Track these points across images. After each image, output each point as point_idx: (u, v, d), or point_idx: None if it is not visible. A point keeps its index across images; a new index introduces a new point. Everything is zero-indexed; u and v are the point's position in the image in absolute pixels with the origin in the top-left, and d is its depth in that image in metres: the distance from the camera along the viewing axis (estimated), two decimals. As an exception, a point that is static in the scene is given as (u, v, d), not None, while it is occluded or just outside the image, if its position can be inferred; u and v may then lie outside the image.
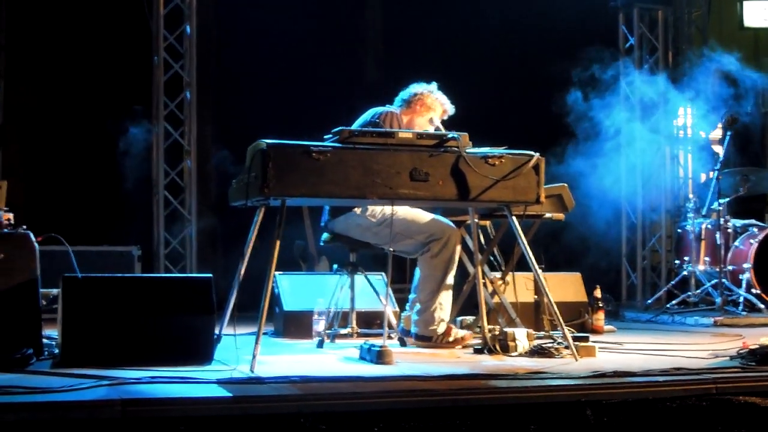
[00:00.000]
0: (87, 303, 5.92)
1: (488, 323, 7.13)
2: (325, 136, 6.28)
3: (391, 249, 7.20)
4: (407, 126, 7.53)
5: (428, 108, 7.59)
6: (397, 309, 8.13)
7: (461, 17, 12.63)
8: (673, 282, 11.80)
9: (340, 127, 6.22)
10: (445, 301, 7.25)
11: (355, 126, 7.33)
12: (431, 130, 7.55)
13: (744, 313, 10.12)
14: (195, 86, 11.25)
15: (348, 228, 7.37)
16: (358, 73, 12.55)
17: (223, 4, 12.05)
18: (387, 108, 7.52)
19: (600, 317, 8.76)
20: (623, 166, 13.13)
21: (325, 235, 7.58)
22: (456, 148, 6.28)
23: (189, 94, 11.23)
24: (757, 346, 6.29)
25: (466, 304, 7.86)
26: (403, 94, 7.70)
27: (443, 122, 7.67)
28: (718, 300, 10.37)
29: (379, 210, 7.21)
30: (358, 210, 7.24)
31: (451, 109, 7.70)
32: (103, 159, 11.27)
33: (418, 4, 12.58)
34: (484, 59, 12.59)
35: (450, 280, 7.27)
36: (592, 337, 7.32)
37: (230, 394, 4.80)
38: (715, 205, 10.77)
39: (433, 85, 7.71)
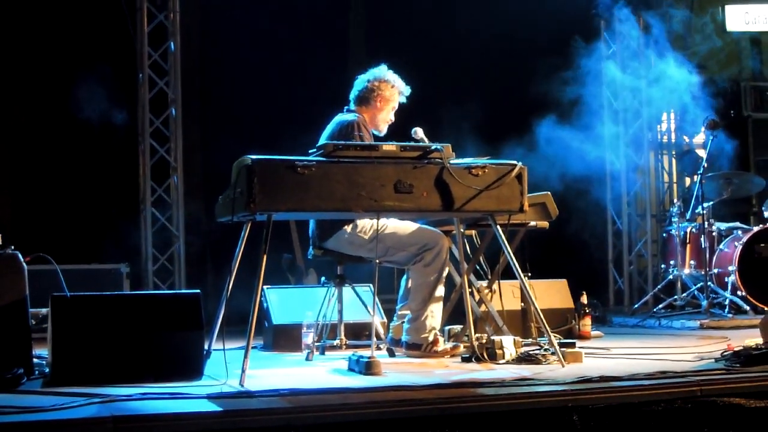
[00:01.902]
0: (76, 322, 5.95)
1: (475, 332, 7.18)
2: (310, 151, 6.32)
3: (384, 261, 7.26)
4: (371, 125, 7.58)
5: (387, 101, 7.61)
6: (385, 320, 8.16)
7: (445, 26, 12.68)
8: (659, 286, 11.84)
9: (325, 141, 6.27)
10: (435, 309, 7.28)
11: (323, 139, 7.34)
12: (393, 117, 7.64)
13: (729, 315, 10.17)
14: (180, 103, 11.29)
15: (340, 245, 7.37)
16: (341, 86, 12.58)
17: (206, 20, 12.09)
18: (350, 117, 7.50)
19: (587, 323, 8.81)
20: (608, 173, 13.21)
21: (314, 250, 7.59)
22: (439, 160, 6.33)
23: (174, 110, 11.26)
24: (741, 348, 6.34)
25: (454, 313, 7.88)
26: (358, 91, 7.69)
27: (401, 104, 7.71)
28: (704, 303, 10.42)
29: (369, 226, 7.23)
30: (348, 228, 7.25)
31: (406, 90, 7.71)
32: (89, 177, 11.30)
33: (402, 12, 12.62)
34: (468, 66, 12.66)
35: (440, 291, 7.30)
36: (580, 343, 7.36)
37: (220, 409, 4.84)
38: (699, 209, 10.82)
39: (383, 69, 7.73)
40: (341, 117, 7.55)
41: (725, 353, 6.43)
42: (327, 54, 12.28)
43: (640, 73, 13.39)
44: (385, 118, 7.63)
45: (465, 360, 6.83)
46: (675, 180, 14.10)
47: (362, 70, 7.82)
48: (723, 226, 11.12)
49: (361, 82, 7.70)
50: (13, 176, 11.42)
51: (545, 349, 6.66)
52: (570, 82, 11.40)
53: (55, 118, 11.39)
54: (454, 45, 12.60)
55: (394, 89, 7.63)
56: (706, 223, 10.76)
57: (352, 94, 7.70)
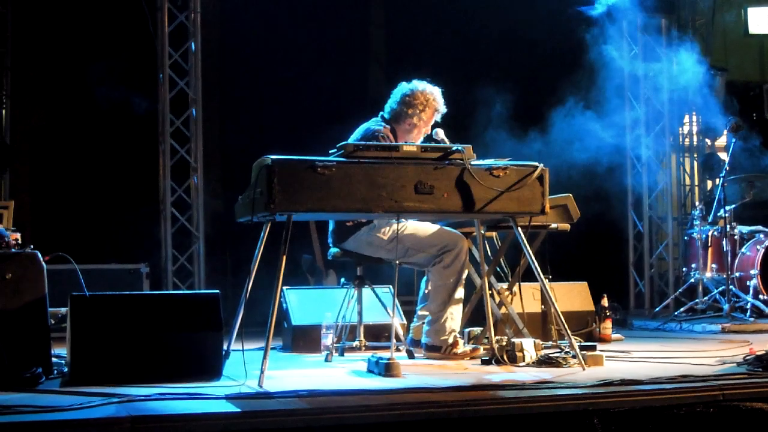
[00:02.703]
0: (95, 321, 5.94)
1: (496, 334, 7.15)
2: (330, 151, 6.30)
3: (403, 263, 7.24)
4: (401, 139, 7.53)
5: (415, 126, 7.53)
6: (405, 321, 8.13)
7: (465, 31, 12.66)
8: (680, 289, 11.81)
9: (344, 142, 6.24)
10: (455, 311, 7.25)
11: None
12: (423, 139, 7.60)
13: (751, 319, 10.11)
14: (200, 103, 11.28)
15: (359, 246, 7.36)
16: (362, 86, 12.59)
17: (227, 21, 12.11)
18: (376, 126, 7.48)
19: (607, 326, 8.76)
20: (629, 175, 13.18)
21: (334, 250, 7.56)
22: (460, 161, 6.30)
23: (195, 111, 11.26)
24: (763, 352, 6.29)
25: (474, 315, 7.85)
26: (392, 106, 7.61)
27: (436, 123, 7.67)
28: (726, 307, 10.35)
29: (388, 228, 7.22)
30: (366, 229, 7.24)
31: (443, 108, 7.60)
32: (110, 177, 11.33)
33: (422, 17, 12.61)
34: (488, 72, 12.63)
35: (460, 293, 7.27)
36: (600, 346, 7.32)
37: (239, 410, 4.81)
38: (721, 212, 10.76)
39: (422, 86, 7.59)
40: (368, 124, 7.53)
41: (747, 357, 6.38)
42: (347, 53, 12.29)
43: (662, 76, 13.35)
44: (414, 137, 7.55)
45: (485, 362, 6.80)
46: (697, 183, 14.05)
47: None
48: (745, 229, 11.06)
49: (397, 96, 7.60)
50: (33, 176, 11.45)
51: (566, 352, 6.63)
52: (591, 84, 11.36)
53: (74, 118, 11.43)
54: (475, 44, 12.58)
55: (425, 113, 7.52)
56: (728, 226, 10.69)
57: (388, 104, 7.64)
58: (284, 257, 6.05)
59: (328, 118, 11.17)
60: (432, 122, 7.59)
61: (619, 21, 13.32)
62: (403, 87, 7.63)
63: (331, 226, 7.51)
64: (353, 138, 7.43)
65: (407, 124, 7.53)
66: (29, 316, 6.01)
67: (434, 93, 7.59)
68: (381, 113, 7.66)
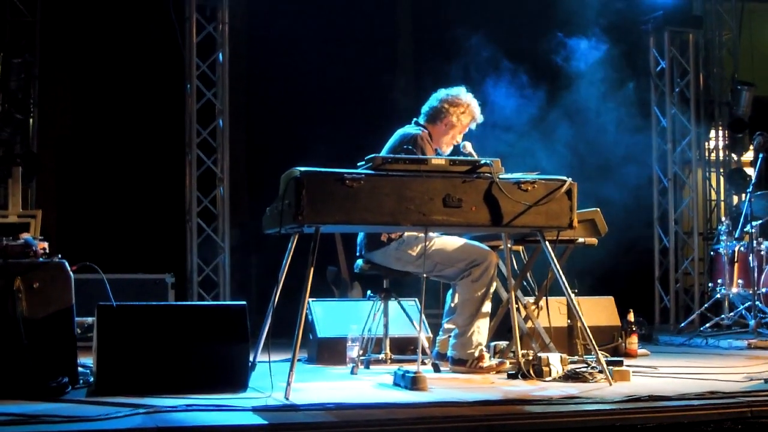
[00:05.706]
0: (122, 331, 5.95)
1: (522, 348, 7.12)
2: (359, 163, 6.29)
3: (431, 276, 7.23)
4: (435, 143, 7.54)
5: (453, 126, 7.55)
6: (431, 335, 8.12)
7: (492, 44, 12.64)
8: (706, 305, 11.74)
9: (373, 155, 6.23)
10: (482, 325, 7.23)
11: (385, 151, 7.34)
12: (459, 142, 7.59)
13: (778, 336, 10.06)
14: (227, 114, 11.30)
15: (387, 260, 7.35)
16: (389, 97, 12.58)
17: (255, 32, 12.13)
18: (414, 131, 7.48)
19: (633, 341, 8.73)
20: (655, 190, 13.15)
21: (361, 262, 7.55)
22: (489, 174, 6.28)
23: (222, 121, 11.27)
24: (791, 369, 6.27)
25: (500, 329, 7.83)
26: (429, 107, 7.64)
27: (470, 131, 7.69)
28: (752, 322, 10.30)
29: (416, 244, 7.21)
30: (395, 244, 7.23)
31: (480, 117, 7.67)
32: (136, 187, 11.37)
33: (449, 29, 12.60)
34: (513, 84, 12.61)
35: (487, 307, 7.26)
36: (626, 361, 7.29)
37: (266, 422, 4.81)
38: (747, 228, 10.71)
39: (460, 91, 7.67)
40: (405, 129, 7.54)
41: (775, 374, 6.35)
42: (374, 65, 12.28)
43: (689, 90, 13.32)
44: (447, 140, 7.58)
45: (511, 377, 6.77)
46: (723, 198, 14.00)
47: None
48: (772, 244, 11.00)
49: (434, 98, 7.66)
50: (60, 185, 11.50)
51: (592, 367, 6.60)
52: (618, 99, 11.32)
53: (101, 127, 11.47)
54: (501, 58, 12.56)
55: (464, 115, 7.57)
56: (754, 241, 10.63)
57: (424, 108, 7.68)
58: (311, 269, 6.04)
59: (356, 129, 11.17)
60: (466, 130, 7.60)
61: (647, 34, 13.34)
62: (444, 90, 7.69)
63: (360, 236, 7.50)
64: (389, 144, 7.45)
65: (445, 123, 7.54)
66: (56, 325, 6.01)
67: (475, 102, 7.66)
68: (414, 119, 7.66)
